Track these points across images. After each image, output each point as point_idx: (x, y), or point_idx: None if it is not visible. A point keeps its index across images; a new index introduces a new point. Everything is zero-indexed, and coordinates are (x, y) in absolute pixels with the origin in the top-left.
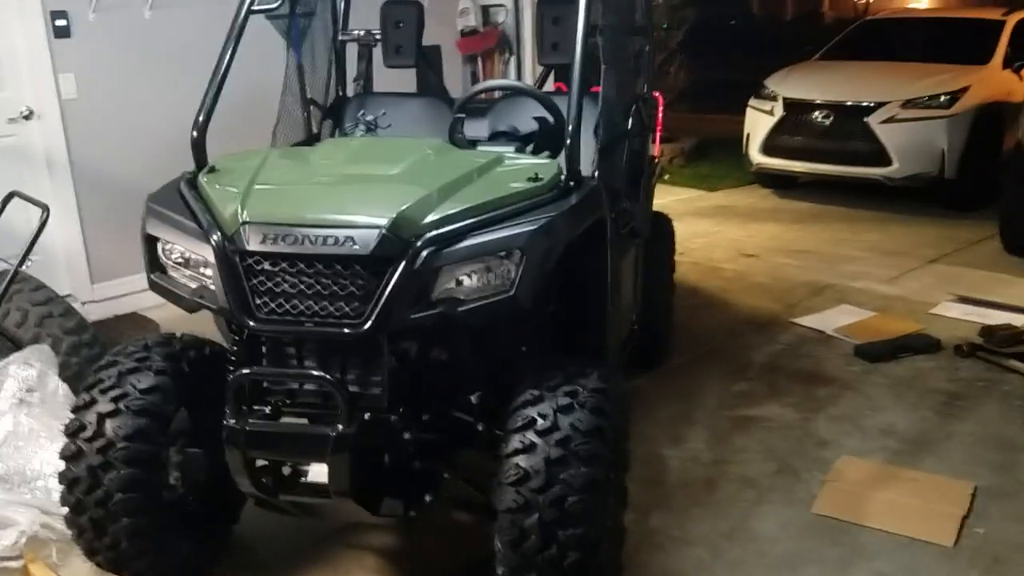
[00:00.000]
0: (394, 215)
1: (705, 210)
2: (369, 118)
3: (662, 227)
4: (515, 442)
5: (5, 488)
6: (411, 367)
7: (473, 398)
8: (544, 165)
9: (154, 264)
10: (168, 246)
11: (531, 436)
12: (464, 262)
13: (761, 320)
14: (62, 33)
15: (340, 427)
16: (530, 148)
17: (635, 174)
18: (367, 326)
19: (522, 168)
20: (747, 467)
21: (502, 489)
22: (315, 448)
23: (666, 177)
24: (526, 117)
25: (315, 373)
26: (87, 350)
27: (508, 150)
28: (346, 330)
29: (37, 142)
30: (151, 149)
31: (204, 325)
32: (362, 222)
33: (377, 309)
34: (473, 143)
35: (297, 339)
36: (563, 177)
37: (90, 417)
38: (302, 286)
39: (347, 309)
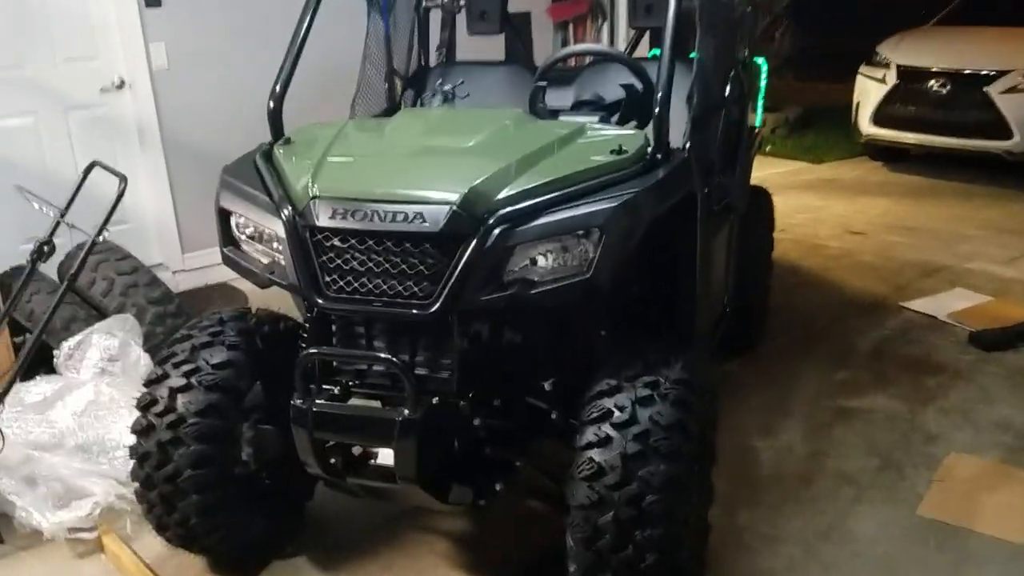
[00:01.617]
0: (465, 191)
1: (809, 183)
2: (447, 88)
3: (760, 202)
4: (590, 434)
5: (84, 458)
6: (483, 350)
7: (547, 384)
8: (629, 136)
9: (227, 238)
10: (240, 219)
11: (607, 429)
12: (538, 241)
13: (867, 303)
14: (153, 2)
15: (407, 412)
16: (616, 118)
17: (732, 146)
18: (435, 307)
19: (605, 140)
20: (846, 462)
21: (575, 483)
22: (381, 432)
23: (767, 148)
24: (613, 85)
25: (382, 356)
26: (171, 320)
27: (591, 120)
28: (414, 311)
29: (128, 112)
30: (242, 119)
31: (288, 299)
32: (432, 198)
33: (446, 290)
34: (555, 113)
35: (366, 319)
36: (650, 149)
37: (161, 391)
38: (371, 264)
39: (416, 289)
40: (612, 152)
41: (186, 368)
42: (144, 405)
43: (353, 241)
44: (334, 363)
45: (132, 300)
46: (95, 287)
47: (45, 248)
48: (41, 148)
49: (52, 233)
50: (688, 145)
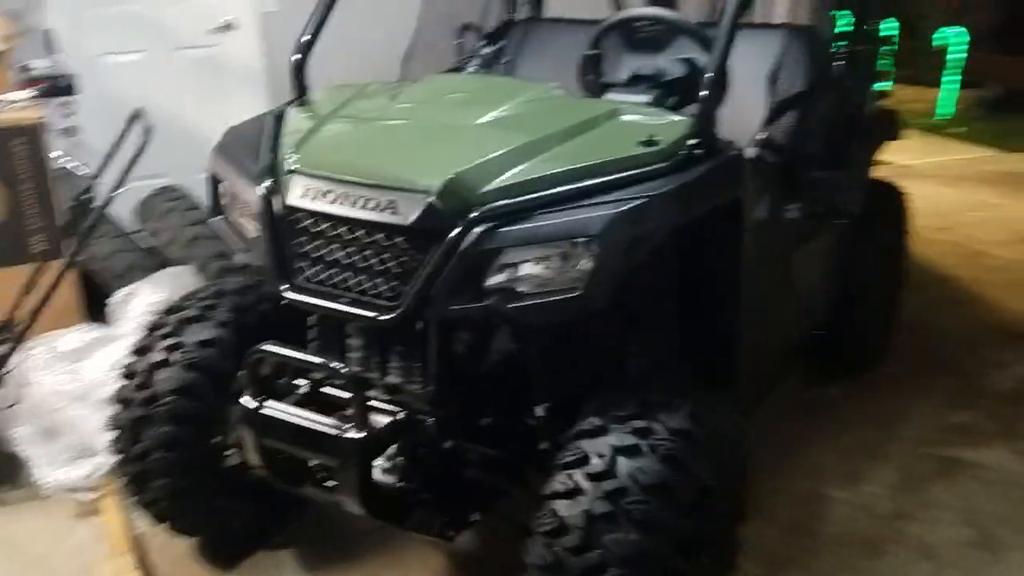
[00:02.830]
0: (447, 179)
1: (992, 176)
2: (487, 50)
3: (885, 202)
4: (557, 482)
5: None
6: (466, 363)
7: (540, 409)
8: (669, 124)
9: (217, 207)
10: (226, 188)
11: (578, 478)
12: (523, 247)
13: (1018, 331)
14: None
15: (353, 430)
16: (673, 100)
17: (841, 135)
18: (396, 314)
19: (638, 127)
20: (933, 530)
21: (533, 538)
22: (325, 448)
23: (954, 130)
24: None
25: (332, 364)
26: (233, 276)
27: (643, 100)
28: (376, 315)
29: (234, 54)
30: (352, 66)
31: None
32: (410, 184)
33: (413, 294)
34: (608, 87)
35: (326, 316)
36: (691, 142)
37: (142, 364)
38: (343, 254)
39: (384, 289)
40: (640, 143)
41: (169, 342)
42: (125, 375)
43: (326, 226)
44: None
45: (194, 252)
46: (160, 236)
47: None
48: (148, 86)
49: (87, 191)
50: (764, 136)
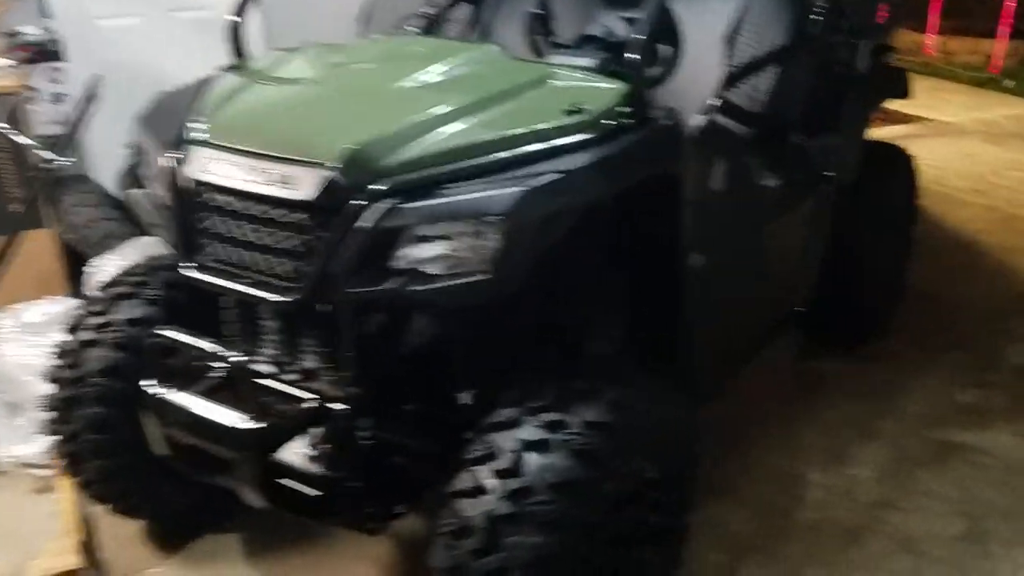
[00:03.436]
0: (349, 150)
1: None
2: (432, 10)
3: (887, 167)
4: (462, 479)
5: None
6: (382, 348)
7: (466, 396)
8: (600, 91)
9: (131, 176)
10: (142, 157)
11: (482, 476)
12: (429, 225)
13: None
14: None
15: (250, 421)
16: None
17: (829, 97)
18: (296, 296)
19: (566, 93)
20: (919, 520)
21: (436, 539)
22: (219, 438)
23: (1008, 83)
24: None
25: (222, 351)
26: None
27: (586, 63)
28: (278, 297)
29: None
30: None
31: None
32: (308, 155)
33: (313, 276)
34: (557, 48)
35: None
36: (622, 110)
37: (73, 343)
38: (245, 232)
39: (286, 269)
40: (564, 112)
41: (98, 321)
42: (57, 354)
43: (227, 200)
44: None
45: None
46: (138, 205)
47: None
48: (143, 51)
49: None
50: (720, 101)
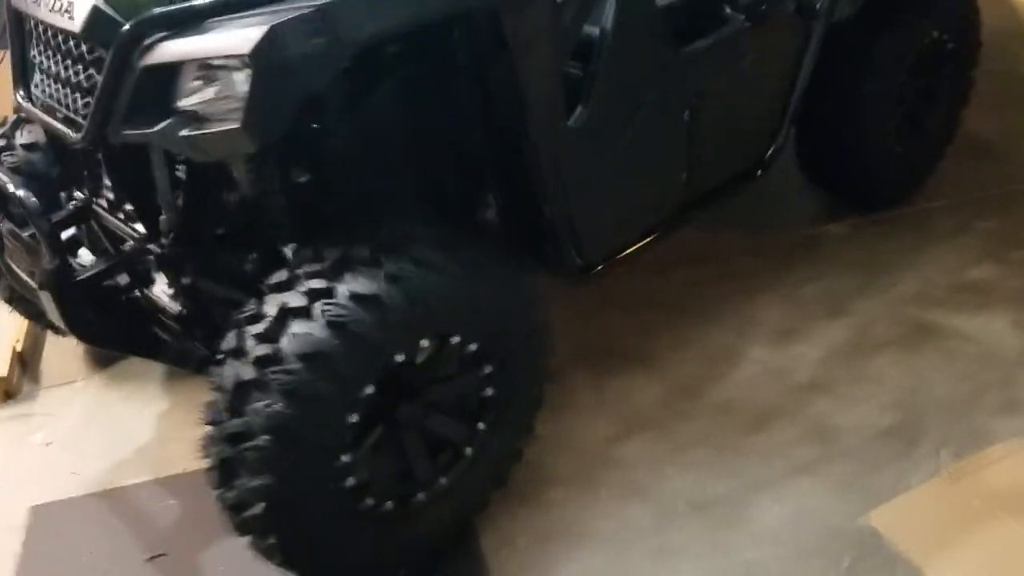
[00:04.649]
0: None
1: None
2: None
3: None
4: (228, 338)
5: None
6: (197, 192)
7: (287, 250)
8: None
9: None
10: None
11: (244, 339)
12: (187, 64)
13: None
14: None
15: (46, 260)
16: None
17: None
18: (81, 135)
19: None
20: (849, 410)
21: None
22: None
23: None
24: None
25: (19, 193)
26: None
27: None
28: (69, 133)
29: None
30: None
31: None
32: None
33: (92, 114)
34: None
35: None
36: None
37: None
38: (51, 65)
39: (80, 106)
40: None
41: None
42: None
43: (40, 29)
44: None
45: None
46: None
47: None
48: None
49: None
50: None
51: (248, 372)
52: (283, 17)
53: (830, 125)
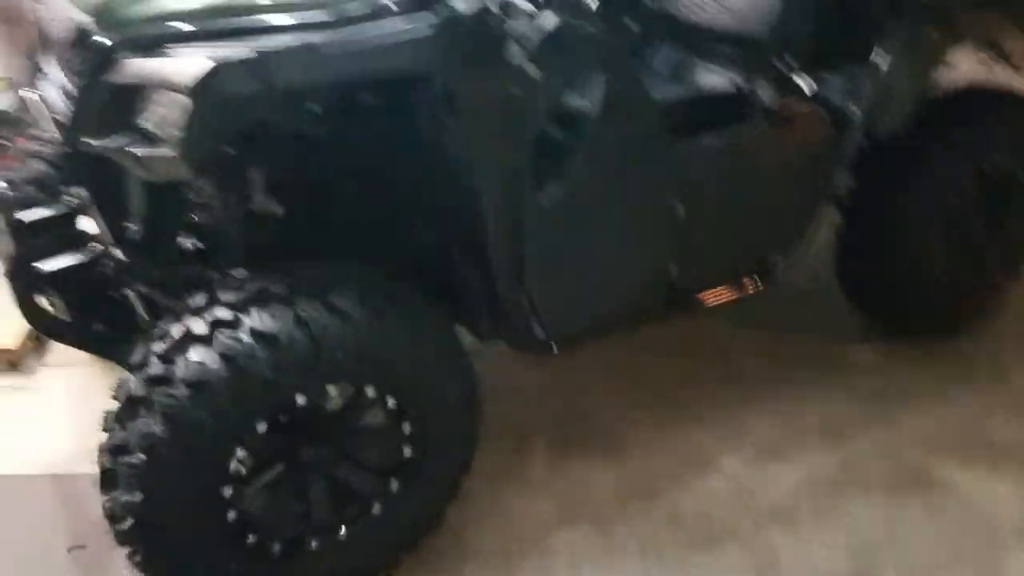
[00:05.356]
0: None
1: None
2: None
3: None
4: (136, 351)
5: None
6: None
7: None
8: None
9: None
10: None
11: (150, 352)
12: (142, 86)
13: None
14: None
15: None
16: None
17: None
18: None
19: None
20: (806, 549)
21: None
22: None
23: None
24: None
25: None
26: None
27: None
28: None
29: None
30: None
31: None
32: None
33: (69, 121)
34: None
35: None
36: None
37: None
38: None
39: (64, 112)
40: None
41: None
42: None
43: (47, 36)
44: None
45: None
46: None
47: None
48: None
49: None
50: None
51: (139, 388)
52: (230, 56)
53: (870, 244)
